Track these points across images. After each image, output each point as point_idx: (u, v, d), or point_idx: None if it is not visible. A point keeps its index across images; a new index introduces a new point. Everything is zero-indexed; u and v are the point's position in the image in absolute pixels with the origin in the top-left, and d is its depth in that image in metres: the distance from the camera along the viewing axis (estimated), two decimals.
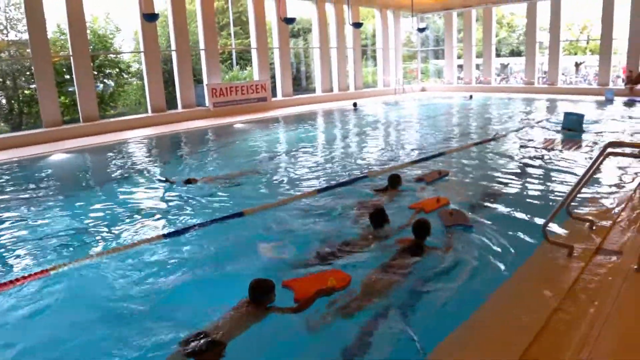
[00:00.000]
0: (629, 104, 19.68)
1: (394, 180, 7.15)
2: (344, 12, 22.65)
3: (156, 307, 4.18)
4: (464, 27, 28.30)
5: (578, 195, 5.01)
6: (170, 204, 7.30)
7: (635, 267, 4.04)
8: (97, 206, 7.22)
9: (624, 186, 6.38)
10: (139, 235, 5.77)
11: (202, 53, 19.01)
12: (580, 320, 3.40)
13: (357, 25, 22.34)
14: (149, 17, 15.17)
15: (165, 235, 5.60)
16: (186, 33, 18.19)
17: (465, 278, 4.41)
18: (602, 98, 21.07)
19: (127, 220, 6.40)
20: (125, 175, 9.56)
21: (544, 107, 20.31)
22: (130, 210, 6.96)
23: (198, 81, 19.91)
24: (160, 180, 8.66)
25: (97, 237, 5.80)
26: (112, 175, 9.66)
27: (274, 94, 21.59)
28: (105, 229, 6.10)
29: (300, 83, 26.55)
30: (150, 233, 5.78)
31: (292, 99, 21.86)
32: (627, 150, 4.73)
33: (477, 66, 29.07)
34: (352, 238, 5.43)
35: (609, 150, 4.41)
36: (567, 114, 12.76)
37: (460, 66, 29.73)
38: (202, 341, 3.50)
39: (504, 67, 33.76)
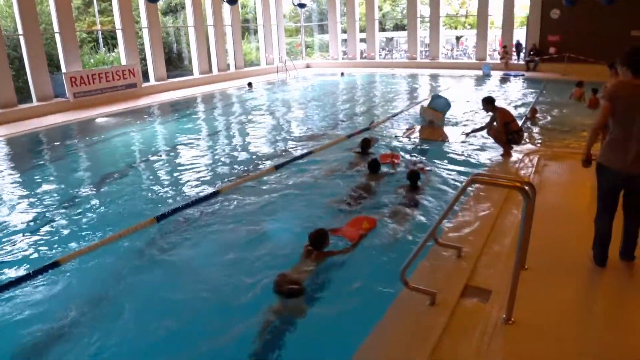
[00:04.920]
0: (504, 79, 20.48)
1: (366, 144, 8.86)
2: None
3: None
4: (347, 1, 27.87)
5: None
6: None
7: (504, 316, 3.62)
8: None
9: (489, 211, 5.87)
10: None
11: (57, 37, 16.83)
12: None
13: (231, 1, 21.01)
14: None
15: None
16: (35, 14, 15.88)
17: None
18: (481, 72, 21.80)
19: None
20: None
21: (423, 86, 20.54)
22: None
23: (58, 68, 17.67)
24: None
25: None
26: None
27: (146, 79, 19.81)
28: None
29: (177, 64, 24.74)
30: None
31: (166, 84, 20.14)
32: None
33: (363, 40, 28.93)
34: (360, 184, 7.22)
35: (474, 178, 3.91)
36: (435, 96, 11.86)
37: (345, 41, 29.44)
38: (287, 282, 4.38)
39: (389, 41, 34.05)
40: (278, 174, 7.95)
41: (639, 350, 3.29)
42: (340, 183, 7.46)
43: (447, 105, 11.20)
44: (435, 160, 8.46)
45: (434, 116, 10.80)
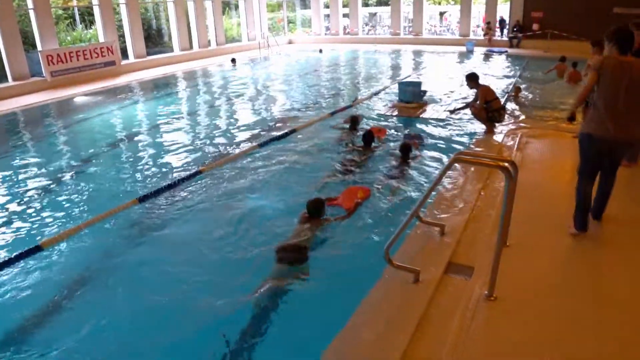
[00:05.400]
0: (487, 55, 20.48)
1: (355, 121, 9.00)
2: None
3: None
4: None
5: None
6: None
7: (486, 292, 3.69)
8: None
9: (471, 188, 5.91)
10: None
11: (32, 13, 16.32)
12: None
13: None
14: None
15: None
16: None
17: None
18: (464, 49, 21.77)
19: None
20: None
21: (406, 63, 20.44)
22: None
23: (34, 46, 17.14)
24: None
25: None
26: None
27: (125, 56, 19.39)
28: None
29: (156, 41, 24.19)
30: None
31: (146, 61, 19.73)
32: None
33: (346, 16, 28.57)
34: (351, 157, 7.42)
35: (458, 157, 3.92)
36: (402, 85, 11.00)
37: (328, 16, 29.04)
38: (292, 248, 4.58)
39: (372, 16, 33.68)
40: (264, 152, 7.98)
41: (618, 323, 3.38)
42: (329, 158, 7.59)
43: (417, 92, 10.69)
44: (421, 137, 8.54)
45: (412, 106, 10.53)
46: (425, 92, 10.88)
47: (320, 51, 23.37)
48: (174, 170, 7.44)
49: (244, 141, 8.86)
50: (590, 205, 4.50)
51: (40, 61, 15.73)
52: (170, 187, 6.52)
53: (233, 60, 19.92)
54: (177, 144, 8.91)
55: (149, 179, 7.10)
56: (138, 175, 7.39)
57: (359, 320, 3.53)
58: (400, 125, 9.49)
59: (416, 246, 4.54)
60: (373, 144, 7.85)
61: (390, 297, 3.79)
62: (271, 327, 3.80)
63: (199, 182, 6.75)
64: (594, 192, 4.47)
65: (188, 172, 7.09)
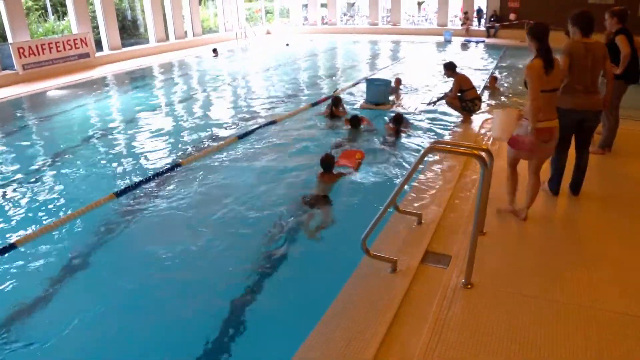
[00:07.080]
0: (465, 45, 20.61)
1: (337, 101, 9.18)
2: None
3: None
4: None
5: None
6: None
7: (463, 281, 3.72)
8: None
9: (448, 177, 5.94)
10: None
11: (1, 4, 15.87)
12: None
13: None
14: None
15: None
16: None
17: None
18: (442, 38, 21.89)
19: None
20: None
21: (384, 53, 20.45)
22: None
23: (4, 38, 16.69)
24: None
25: None
26: None
27: (99, 48, 19.02)
28: None
29: (132, 32, 23.77)
30: None
31: (121, 53, 19.38)
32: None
33: (324, 5, 28.42)
34: (343, 137, 8.00)
35: (433, 146, 3.94)
36: (369, 85, 10.09)
37: (306, 6, 28.87)
38: (315, 196, 5.54)
39: (351, 6, 33.54)
40: (253, 140, 8.09)
41: (590, 310, 3.43)
42: (319, 141, 7.91)
43: (383, 92, 10.02)
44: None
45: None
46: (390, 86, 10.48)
47: (287, 45, 22.95)
48: (153, 164, 7.33)
49: (232, 129, 8.92)
50: (563, 172, 5.04)
51: (12, 54, 15.31)
52: (148, 180, 6.44)
53: (214, 51, 19.65)
54: (155, 137, 8.78)
55: (125, 174, 6.98)
56: (114, 169, 7.25)
57: (336, 310, 3.53)
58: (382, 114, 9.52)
59: (393, 236, 4.54)
60: (361, 127, 8.17)
61: (367, 287, 3.79)
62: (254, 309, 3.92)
63: (191, 172, 6.77)
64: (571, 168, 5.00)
65: (171, 164, 7.05)
